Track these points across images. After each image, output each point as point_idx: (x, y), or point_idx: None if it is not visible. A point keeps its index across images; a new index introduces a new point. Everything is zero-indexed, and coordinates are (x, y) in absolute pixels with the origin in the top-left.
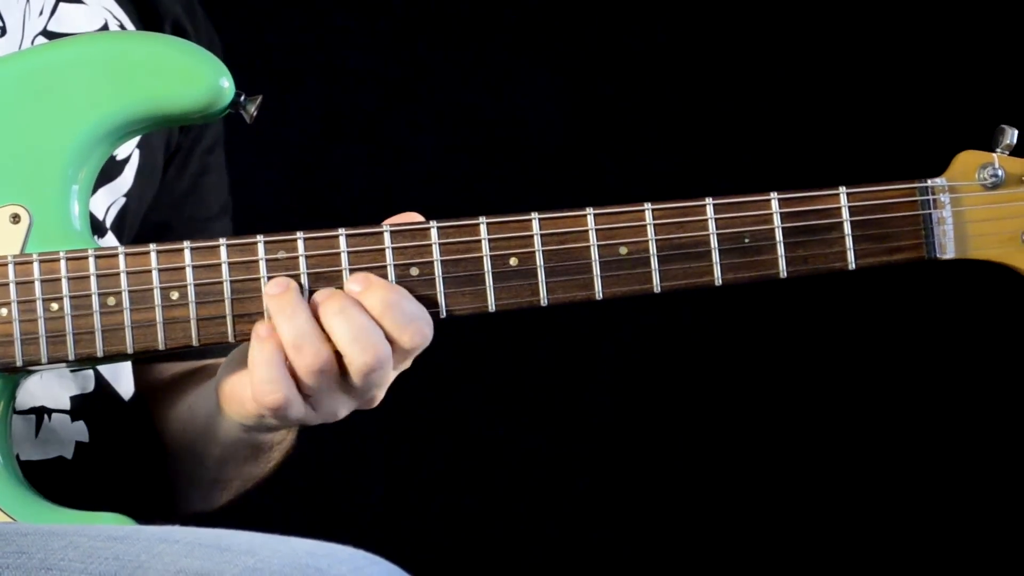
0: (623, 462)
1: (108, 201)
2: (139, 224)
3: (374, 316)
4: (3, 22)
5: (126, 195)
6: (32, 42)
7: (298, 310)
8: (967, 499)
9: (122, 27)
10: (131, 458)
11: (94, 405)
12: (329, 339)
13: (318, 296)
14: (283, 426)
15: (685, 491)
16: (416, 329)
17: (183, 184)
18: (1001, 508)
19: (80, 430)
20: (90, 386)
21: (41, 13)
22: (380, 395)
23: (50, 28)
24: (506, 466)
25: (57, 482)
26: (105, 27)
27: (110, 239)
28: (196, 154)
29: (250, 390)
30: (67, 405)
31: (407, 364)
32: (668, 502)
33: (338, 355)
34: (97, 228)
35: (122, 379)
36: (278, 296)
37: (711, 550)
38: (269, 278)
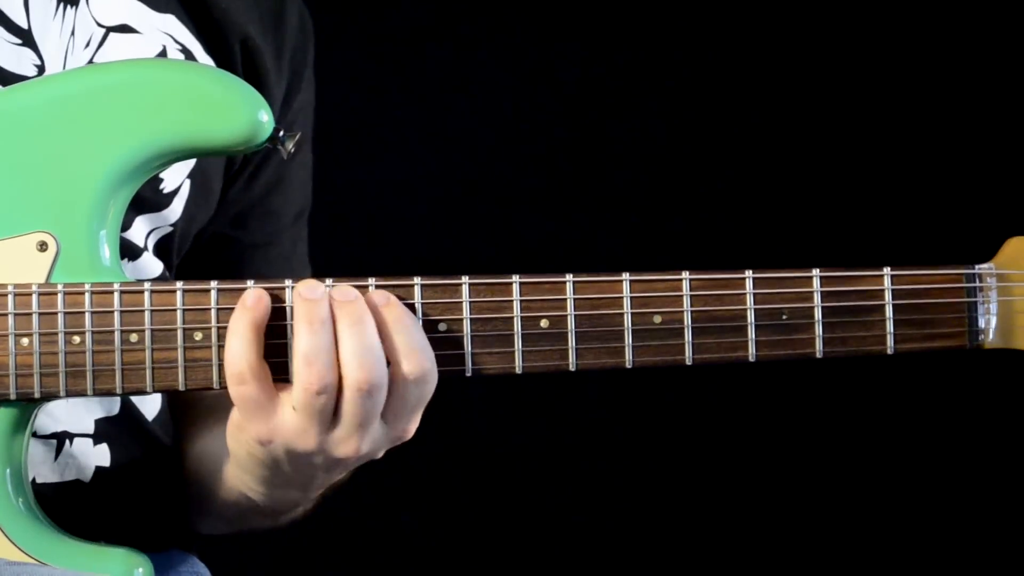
0: (623, 481)
1: (148, 228)
2: (192, 239)
3: (383, 329)
4: (40, 60)
5: (172, 224)
6: None
7: (326, 327)
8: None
9: (184, 50)
10: (149, 482)
11: (118, 428)
12: (338, 365)
13: (338, 295)
14: (276, 450)
15: (684, 500)
16: (417, 359)
17: (251, 197)
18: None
19: (102, 454)
20: (115, 409)
21: (88, 45)
22: (413, 428)
23: (99, 60)
24: (506, 476)
25: (71, 505)
26: (163, 54)
27: (147, 258)
28: (269, 167)
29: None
30: (91, 429)
31: (411, 417)
32: (667, 512)
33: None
34: (134, 252)
35: (147, 399)
36: (310, 302)
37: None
38: (293, 324)
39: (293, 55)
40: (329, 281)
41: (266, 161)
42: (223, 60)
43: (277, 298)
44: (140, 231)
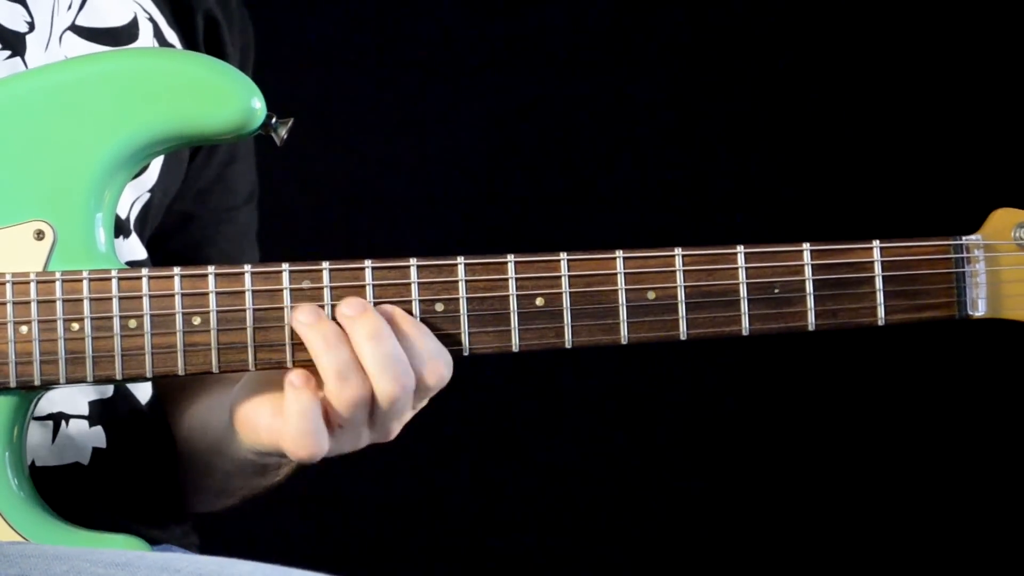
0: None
1: (132, 197)
2: (162, 215)
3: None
4: (31, 17)
5: (150, 191)
6: (60, 37)
7: (341, 340)
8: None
9: (151, 20)
10: (146, 464)
11: (112, 411)
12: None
13: (347, 310)
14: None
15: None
16: (434, 367)
17: (210, 173)
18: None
19: (97, 436)
20: (108, 392)
21: (70, 7)
22: (397, 428)
23: (79, 22)
24: (510, 475)
25: (72, 488)
26: (134, 20)
27: (134, 240)
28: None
29: (286, 439)
30: (85, 411)
31: (424, 402)
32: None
33: None
34: (121, 229)
35: (140, 385)
36: (314, 326)
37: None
38: (293, 308)
39: (242, 31)
40: (326, 264)
41: None
42: (187, 33)
43: (274, 280)
44: (126, 201)
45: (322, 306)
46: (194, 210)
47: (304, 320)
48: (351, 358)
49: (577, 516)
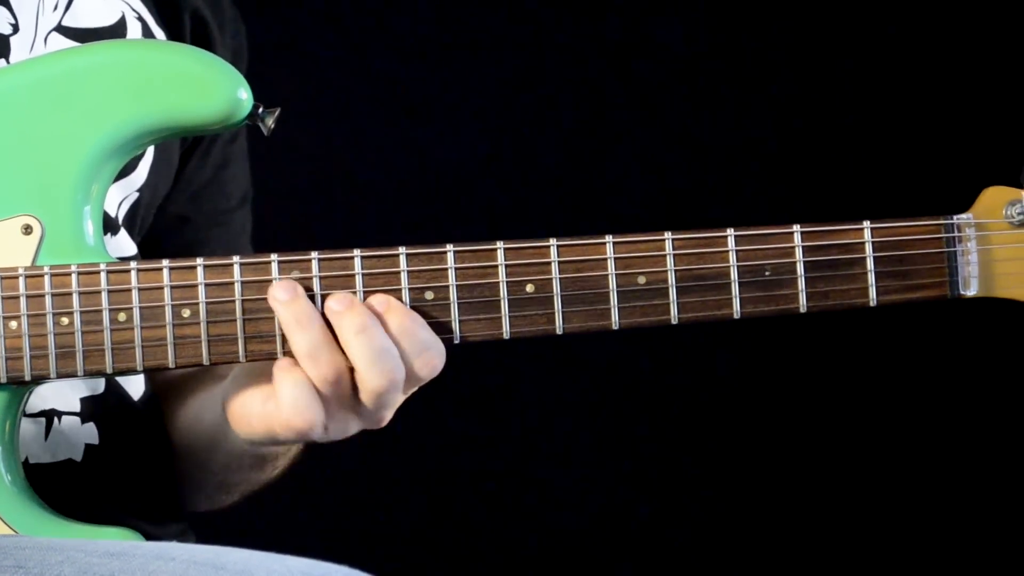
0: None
1: (120, 196)
2: (153, 217)
3: (390, 337)
4: (15, 19)
5: (139, 190)
6: (45, 39)
7: (313, 319)
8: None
9: (140, 19)
10: (140, 460)
11: (104, 407)
12: (341, 347)
13: (335, 305)
14: (293, 442)
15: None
16: (428, 359)
17: (204, 175)
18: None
19: (90, 432)
20: (100, 388)
21: (56, 8)
22: (388, 416)
23: (65, 23)
24: (505, 470)
25: (66, 485)
26: (122, 20)
27: (123, 236)
28: (218, 145)
29: (280, 415)
30: (77, 407)
31: (415, 388)
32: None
33: (350, 370)
34: (109, 226)
35: (132, 380)
36: (288, 304)
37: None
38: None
39: (234, 33)
40: (315, 254)
41: (215, 140)
42: (175, 33)
43: (263, 271)
44: (114, 199)
45: (311, 295)
46: (188, 212)
47: (279, 298)
48: (322, 338)
49: (576, 516)
